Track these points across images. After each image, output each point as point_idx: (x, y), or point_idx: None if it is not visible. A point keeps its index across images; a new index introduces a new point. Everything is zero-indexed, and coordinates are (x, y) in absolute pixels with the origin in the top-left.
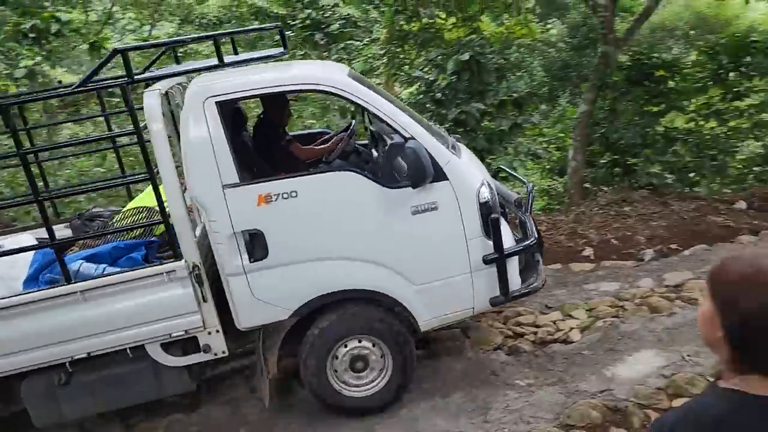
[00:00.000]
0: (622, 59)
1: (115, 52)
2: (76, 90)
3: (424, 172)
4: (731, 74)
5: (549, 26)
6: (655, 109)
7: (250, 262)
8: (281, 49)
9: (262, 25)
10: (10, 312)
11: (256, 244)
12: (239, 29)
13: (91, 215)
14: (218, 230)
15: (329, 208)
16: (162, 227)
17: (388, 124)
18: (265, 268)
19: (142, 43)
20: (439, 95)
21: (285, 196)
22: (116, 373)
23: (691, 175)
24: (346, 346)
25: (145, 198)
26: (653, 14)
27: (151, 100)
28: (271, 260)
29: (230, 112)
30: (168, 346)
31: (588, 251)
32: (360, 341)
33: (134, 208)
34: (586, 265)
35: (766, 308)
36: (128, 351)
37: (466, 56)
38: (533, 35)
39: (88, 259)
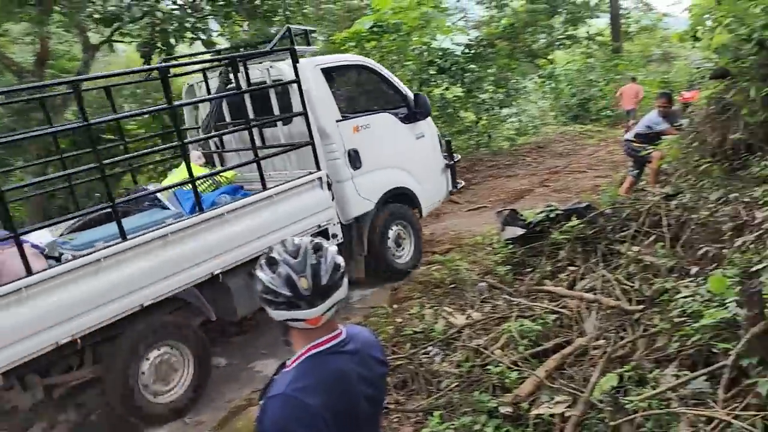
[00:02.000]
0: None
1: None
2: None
3: (429, 109)
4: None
5: None
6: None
7: (353, 170)
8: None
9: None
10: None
11: (354, 159)
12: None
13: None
14: (336, 150)
15: (382, 135)
16: None
17: (398, 89)
18: (360, 175)
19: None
20: None
21: (364, 126)
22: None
23: None
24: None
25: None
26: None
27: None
28: (363, 169)
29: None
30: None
31: None
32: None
33: None
34: None
35: None
36: None
37: None
38: None
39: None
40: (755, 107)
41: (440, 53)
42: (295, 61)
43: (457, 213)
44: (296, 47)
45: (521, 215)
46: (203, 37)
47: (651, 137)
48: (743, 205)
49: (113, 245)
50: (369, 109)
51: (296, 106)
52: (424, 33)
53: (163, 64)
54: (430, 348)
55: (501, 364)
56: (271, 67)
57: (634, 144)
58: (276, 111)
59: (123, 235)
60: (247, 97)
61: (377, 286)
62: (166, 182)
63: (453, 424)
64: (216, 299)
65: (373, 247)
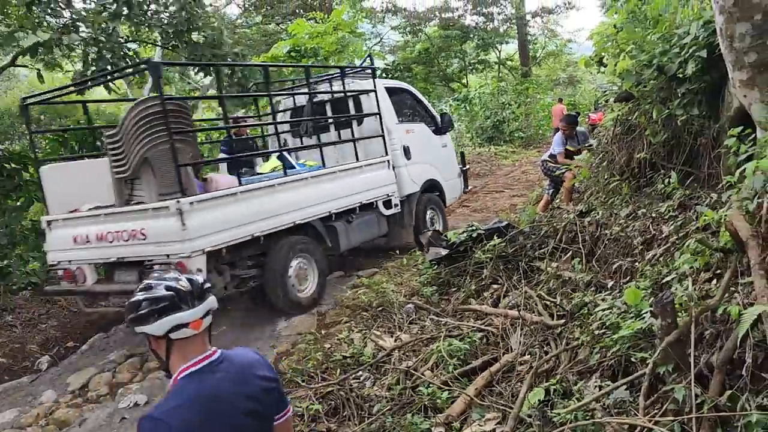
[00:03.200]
0: None
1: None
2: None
3: (450, 126)
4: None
5: None
6: (16, 203)
7: (406, 160)
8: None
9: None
10: (329, 177)
11: (406, 152)
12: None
13: None
14: (395, 144)
15: (422, 139)
16: None
17: (429, 109)
18: (410, 165)
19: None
20: None
21: (411, 131)
22: (367, 219)
23: None
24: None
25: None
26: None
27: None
28: (411, 161)
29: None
30: (383, 204)
31: None
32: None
33: None
34: None
35: None
36: (377, 205)
37: None
38: None
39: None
40: (657, 128)
41: None
42: (374, 78)
43: None
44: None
45: (444, 236)
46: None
47: (565, 157)
48: (651, 220)
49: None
50: (412, 120)
51: (368, 112)
52: (342, 57)
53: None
54: (360, 372)
55: (432, 385)
56: (353, 81)
57: (550, 164)
58: (349, 113)
59: (285, 173)
60: (328, 105)
61: (304, 312)
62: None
63: None
64: (328, 235)
65: (417, 221)
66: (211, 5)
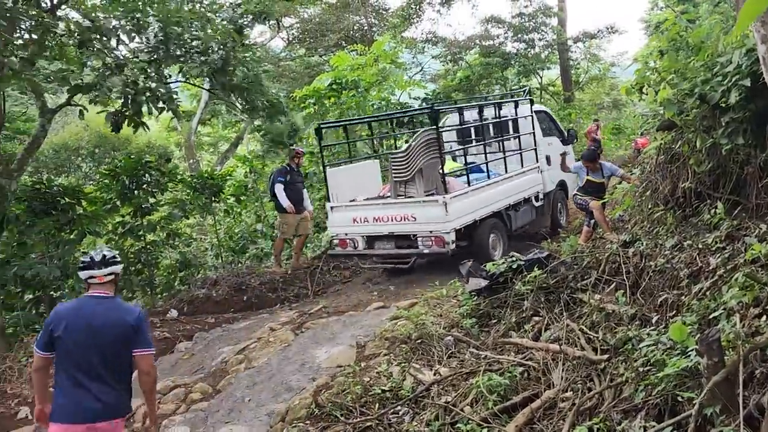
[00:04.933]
0: (21, 190)
1: (529, 90)
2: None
3: (574, 139)
4: (136, 192)
5: None
6: (70, 236)
7: (548, 166)
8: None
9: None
10: (507, 179)
11: (548, 160)
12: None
13: None
14: (541, 153)
15: (555, 149)
16: None
17: (559, 126)
18: (549, 170)
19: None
20: None
21: (549, 143)
22: (526, 209)
23: (123, 293)
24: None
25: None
26: (53, 135)
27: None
28: (551, 167)
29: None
30: (534, 198)
31: (24, 411)
32: (560, 203)
33: None
34: (25, 429)
35: None
36: (532, 199)
37: None
38: None
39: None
40: (702, 157)
41: (398, 107)
42: (532, 104)
43: (420, 265)
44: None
45: (484, 266)
46: (173, 107)
47: (589, 188)
48: (697, 252)
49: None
50: (549, 134)
51: (522, 130)
52: (382, 88)
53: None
54: (398, 407)
55: (471, 422)
56: (516, 106)
57: (579, 198)
58: (510, 131)
59: (488, 176)
60: (490, 125)
61: (344, 344)
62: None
63: None
64: (506, 219)
65: (553, 212)
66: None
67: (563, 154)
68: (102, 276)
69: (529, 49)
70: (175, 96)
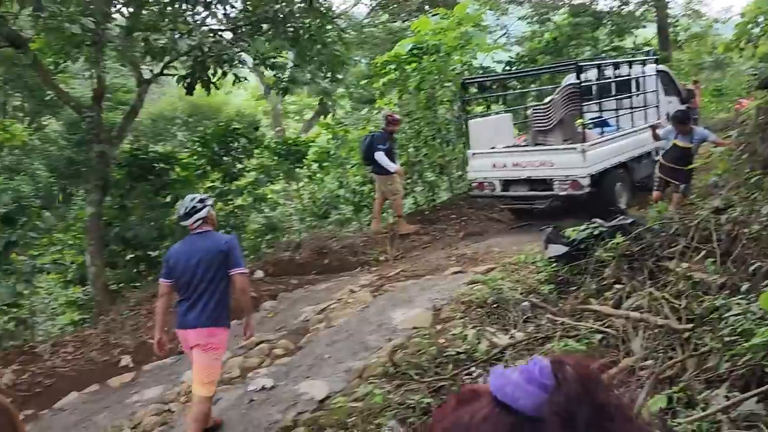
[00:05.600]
0: (121, 156)
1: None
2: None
3: (687, 97)
4: (225, 158)
5: (46, 123)
6: (165, 200)
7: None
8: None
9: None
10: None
11: (668, 117)
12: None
13: None
14: (661, 110)
15: (674, 107)
16: None
17: (676, 85)
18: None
19: None
20: None
21: (669, 101)
22: (645, 162)
23: None
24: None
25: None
26: (151, 105)
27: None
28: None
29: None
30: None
31: (125, 360)
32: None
33: None
34: (126, 375)
35: None
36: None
37: None
38: (19, 138)
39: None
40: None
41: (481, 72)
42: (657, 63)
43: (501, 231)
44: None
45: (564, 233)
46: (241, 67)
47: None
48: None
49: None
50: (668, 93)
51: (646, 88)
52: (465, 52)
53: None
54: (472, 369)
55: None
56: (643, 65)
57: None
58: (633, 90)
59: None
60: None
61: (420, 307)
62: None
63: None
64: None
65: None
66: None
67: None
68: (191, 224)
69: (622, 7)
70: (241, 61)
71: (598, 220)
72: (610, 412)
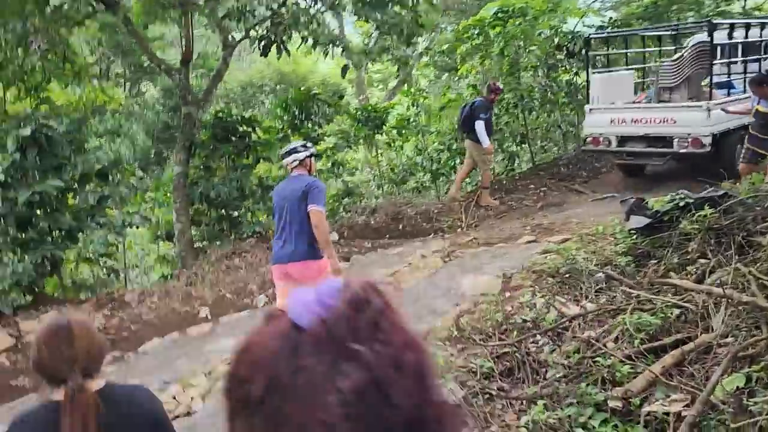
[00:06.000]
0: (206, 118)
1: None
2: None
3: None
4: (305, 123)
5: (144, 90)
6: (246, 161)
7: None
8: None
9: None
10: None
11: None
12: None
13: None
14: None
15: None
16: None
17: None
18: None
19: None
20: (2, 177)
21: None
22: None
23: None
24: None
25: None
26: (241, 73)
27: None
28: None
29: None
30: None
31: (204, 312)
32: None
33: None
34: (204, 326)
35: None
36: None
37: (27, 130)
38: (116, 102)
39: None
40: None
41: (569, 37)
42: None
43: (581, 203)
44: None
45: (648, 204)
46: (314, 35)
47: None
48: None
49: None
50: None
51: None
52: (553, 16)
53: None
54: (538, 337)
55: (612, 357)
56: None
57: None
58: (762, 53)
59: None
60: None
61: (490, 274)
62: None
63: (557, 414)
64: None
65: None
66: None
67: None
68: (288, 163)
69: None
70: (317, 24)
71: (685, 192)
72: (367, 331)
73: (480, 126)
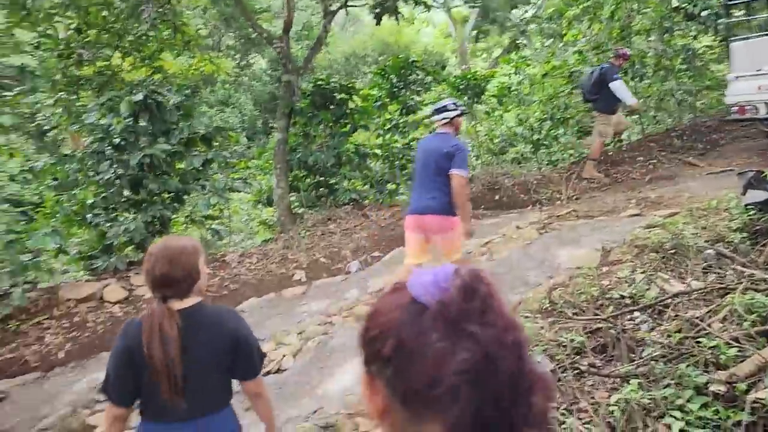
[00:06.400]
0: (306, 87)
1: None
2: None
3: None
4: (402, 91)
5: (252, 61)
6: (343, 129)
7: None
8: None
9: None
10: None
11: None
12: None
13: None
14: None
15: None
16: None
17: None
18: None
19: None
20: (117, 140)
21: None
22: None
23: (389, 186)
24: None
25: None
26: (345, 43)
27: None
28: None
29: None
30: None
31: (299, 274)
32: None
33: None
34: (298, 288)
35: None
36: None
37: (139, 96)
38: (223, 71)
39: None
40: None
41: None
42: None
43: (695, 176)
44: None
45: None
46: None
47: None
48: None
49: None
50: None
51: None
52: None
53: None
54: (636, 314)
55: (718, 339)
56: None
57: None
58: None
59: None
60: None
61: (587, 247)
62: None
63: (652, 395)
64: None
65: None
66: None
67: None
68: (437, 121)
69: None
70: None
71: None
72: (477, 315)
73: (618, 84)
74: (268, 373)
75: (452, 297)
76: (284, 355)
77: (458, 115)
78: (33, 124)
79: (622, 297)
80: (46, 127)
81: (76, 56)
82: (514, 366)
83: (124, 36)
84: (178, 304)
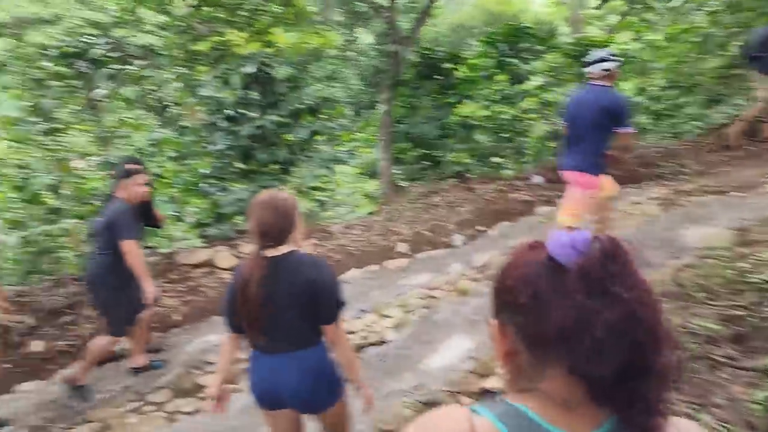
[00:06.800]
0: (413, 58)
1: None
2: None
3: None
4: (512, 60)
5: (357, 35)
6: (449, 100)
7: None
8: None
9: None
10: None
11: None
12: None
13: None
14: None
15: None
16: None
17: None
18: None
19: None
20: (230, 111)
21: None
22: None
23: (495, 159)
24: None
25: None
26: (452, 15)
27: None
28: None
29: None
30: None
31: (402, 247)
32: None
33: None
34: (401, 261)
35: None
36: None
37: (250, 69)
38: (330, 45)
39: None
40: None
41: None
42: None
43: None
44: None
45: None
46: None
47: None
48: None
49: None
50: None
51: None
52: None
53: None
54: None
55: None
56: None
57: None
58: None
59: None
60: None
61: (720, 225)
62: None
63: None
64: None
65: None
66: None
67: None
68: (593, 72)
69: None
70: None
71: None
72: (619, 278)
73: None
74: (370, 345)
75: (594, 260)
76: (386, 328)
77: (617, 66)
78: (155, 99)
79: (765, 282)
80: (166, 102)
81: (193, 32)
82: (654, 321)
83: (237, 11)
84: (271, 252)
